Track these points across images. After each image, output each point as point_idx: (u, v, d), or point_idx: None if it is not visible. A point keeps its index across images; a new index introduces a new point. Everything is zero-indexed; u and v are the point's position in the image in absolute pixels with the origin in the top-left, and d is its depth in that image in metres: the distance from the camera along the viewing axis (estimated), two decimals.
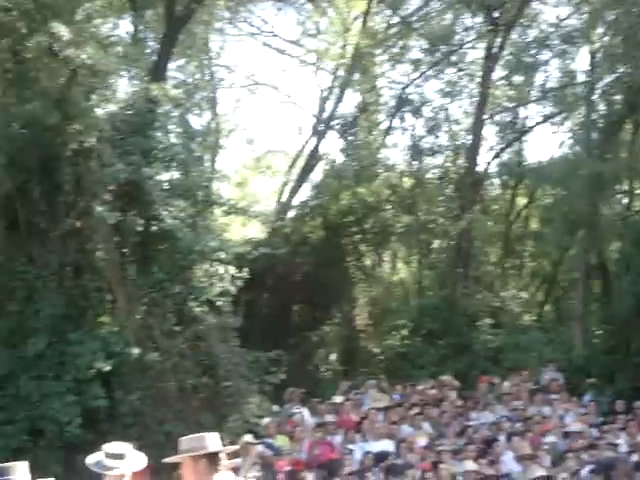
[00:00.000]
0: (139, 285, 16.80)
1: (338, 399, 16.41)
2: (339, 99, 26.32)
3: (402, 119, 27.01)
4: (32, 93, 16.15)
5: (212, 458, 5.49)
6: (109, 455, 5.72)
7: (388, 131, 27.29)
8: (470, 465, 13.14)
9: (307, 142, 27.24)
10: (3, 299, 16.37)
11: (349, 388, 17.70)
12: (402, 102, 26.57)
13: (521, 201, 29.10)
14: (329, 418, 15.24)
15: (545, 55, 26.20)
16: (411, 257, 27.47)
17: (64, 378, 15.49)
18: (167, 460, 5.82)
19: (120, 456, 5.73)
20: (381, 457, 13.42)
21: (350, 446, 14.03)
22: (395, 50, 26.89)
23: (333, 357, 25.05)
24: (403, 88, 26.80)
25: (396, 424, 14.95)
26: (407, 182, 26.52)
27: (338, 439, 14.50)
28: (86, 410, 15.21)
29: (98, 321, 16.62)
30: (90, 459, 5.79)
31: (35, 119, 16.00)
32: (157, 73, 18.55)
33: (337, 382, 19.70)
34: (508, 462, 13.79)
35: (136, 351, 16.10)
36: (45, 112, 15.76)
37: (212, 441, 5.56)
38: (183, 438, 5.63)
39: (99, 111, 16.64)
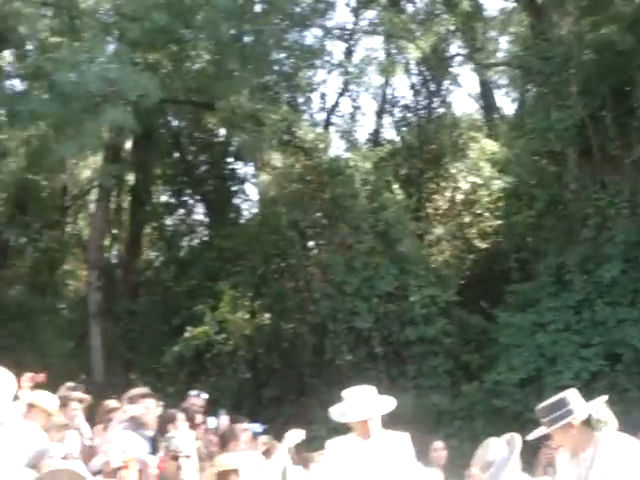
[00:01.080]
0: None
1: None
2: None
3: None
4: (605, 18, 16.11)
5: None
6: None
7: None
8: None
9: None
10: (577, 225, 16.71)
11: None
12: None
13: None
14: None
15: None
16: None
17: (638, 305, 15.43)
18: None
19: None
20: None
21: None
22: None
23: None
24: None
25: None
26: None
27: None
28: None
29: None
30: None
31: (608, 44, 15.94)
32: None
33: None
34: None
35: None
36: (618, 36, 15.64)
37: None
38: None
39: None
